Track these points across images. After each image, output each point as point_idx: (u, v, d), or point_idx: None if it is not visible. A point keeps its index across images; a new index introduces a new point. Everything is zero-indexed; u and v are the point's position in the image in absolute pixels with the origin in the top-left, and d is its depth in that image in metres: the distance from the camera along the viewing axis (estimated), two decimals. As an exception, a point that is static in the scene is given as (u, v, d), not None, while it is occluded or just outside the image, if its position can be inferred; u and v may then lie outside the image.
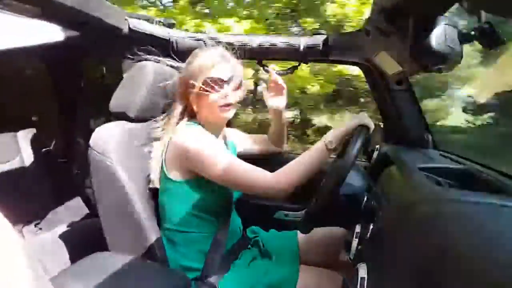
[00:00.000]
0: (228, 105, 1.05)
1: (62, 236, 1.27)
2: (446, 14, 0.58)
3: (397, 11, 0.55)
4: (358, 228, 0.85)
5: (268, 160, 1.30)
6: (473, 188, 0.67)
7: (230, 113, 1.08)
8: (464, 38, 0.55)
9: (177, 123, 1.06)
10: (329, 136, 0.98)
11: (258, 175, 0.98)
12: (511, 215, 0.48)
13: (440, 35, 0.52)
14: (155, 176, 1.04)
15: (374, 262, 0.64)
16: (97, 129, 1.04)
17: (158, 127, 1.10)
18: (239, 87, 1.08)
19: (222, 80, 1.03)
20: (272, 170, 0.98)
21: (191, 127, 1.04)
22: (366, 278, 0.61)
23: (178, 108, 1.07)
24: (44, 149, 1.49)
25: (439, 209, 0.51)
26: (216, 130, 1.14)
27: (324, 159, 0.98)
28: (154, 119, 1.12)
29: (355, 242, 0.84)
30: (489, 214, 0.48)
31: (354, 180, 1.32)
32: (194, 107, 1.07)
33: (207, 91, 1.02)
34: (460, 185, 0.80)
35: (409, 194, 0.61)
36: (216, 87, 1.02)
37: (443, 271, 0.44)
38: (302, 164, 0.98)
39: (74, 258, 0.96)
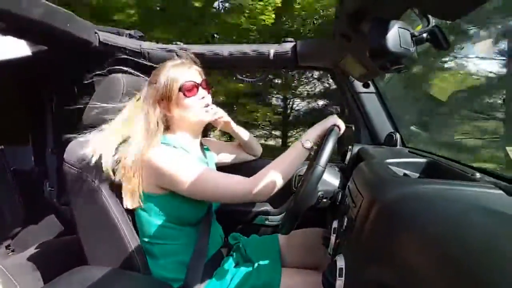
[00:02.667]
0: (207, 105, 1.10)
1: (36, 257, 1.22)
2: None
3: (357, 16, 0.59)
4: (335, 224, 0.89)
5: (246, 166, 1.32)
6: (437, 178, 0.72)
7: (210, 114, 1.12)
8: (417, 40, 0.61)
9: (157, 136, 1.03)
10: (305, 136, 1.03)
11: (235, 182, 0.98)
12: (465, 195, 0.53)
13: (394, 37, 0.57)
14: (129, 196, 1.00)
15: (350, 251, 0.67)
16: (71, 143, 1.02)
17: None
18: (209, 90, 1.13)
19: (196, 83, 1.07)
20: (251, 175, 0.99)
21: (161, 147, 1.02)
22: (344, 268, 0.64)
23: (153, 119, 1.04)
24: (13, 167, 1.44)
25: (402, 193, 0.55)
26: (193, 137, 1.15)
27: (302, 158, 1.01)
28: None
29: (333, 237, 0.87)
30: (445, 194, 0.53)
31: (330, 180, 1.37)
32: (173, 119, 1.08)
33: (185, 95, 1.05)
34: (426, 176, 0.86)
35: (377, 183, 0.65)
36: (192, 91, 1.06)
37: (408, 248, 0.47)
38: (280, 165, 1.00)
39: (50, 278, 0.93)
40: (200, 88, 1.08)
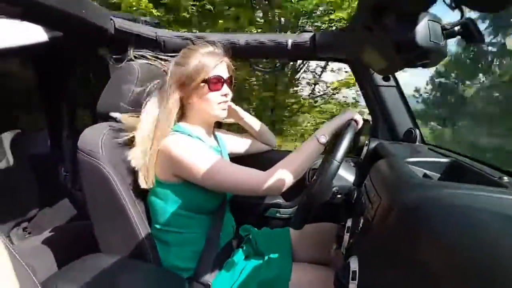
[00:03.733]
0: (225, 102, 1.08)
1: (51, 240, 1.25)
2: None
3: (381, 7, 0.55)
4: (349, 223, 0.87)
5: (261, 158, 1.31)
6: (459, 180, 0.68)
7: (225, 112, 1.11)
8: (448, 33, 0.56)
9: (170, 125, 1.03)
10: (320, 131, 1.02)
11: (249, 175, 0.98)
12: (491, 202, 0.50)
13: (423, 31, 0.53)
14: (145, 179, 1.02)
15: (365, 254, 0.65)
16: (85, 131, 1.03)
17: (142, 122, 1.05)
18: (232, 85, 1.10)
19: (222, 79, 1.05)
20: (265, 168, 0.98)
21: (177, 135, 1.02)
22: (357, 271, 0.62)
23: (172, 101, 1.04)
24: (30, 152, 1.46)
25: (423, 198, 0.53)
26: (207, 128, 1.15)
27: (316, 153, 1.00)
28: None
29: (346, 236, 0.85)
30: (469, 200, 0.50)
31: (345, 175, 1.34)
32: (190, 106, 1.07)
33: (209, 87, 1.03)
34: (447, 178, 0.82)
35: (396, 186, 0.62)
36: (217, 85, 1.04)
37: (429, 256, 0.45)
38: (294, 160, 0.99)
39: (64, 262, 0.95)
40: (225, 84, 1.06)
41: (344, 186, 1.12)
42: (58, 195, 1.58)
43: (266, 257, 1.11)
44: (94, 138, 0.99)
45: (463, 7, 0.53)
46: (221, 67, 1.05)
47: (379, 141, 1.24)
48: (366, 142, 1.23)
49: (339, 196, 1.10)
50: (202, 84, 1.03)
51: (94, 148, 0.97)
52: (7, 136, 1.45)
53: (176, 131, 1.03)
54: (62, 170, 1.58)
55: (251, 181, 0.97)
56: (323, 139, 1.00)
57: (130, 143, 1.04)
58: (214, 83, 1.03)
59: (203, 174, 0.95)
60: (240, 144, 1.35)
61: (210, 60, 1.04)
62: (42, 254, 1.18)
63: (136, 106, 1.09)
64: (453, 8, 0.52)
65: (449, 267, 0.42)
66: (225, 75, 1.06)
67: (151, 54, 1.20)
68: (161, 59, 1.16)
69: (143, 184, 1.01)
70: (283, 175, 0.96)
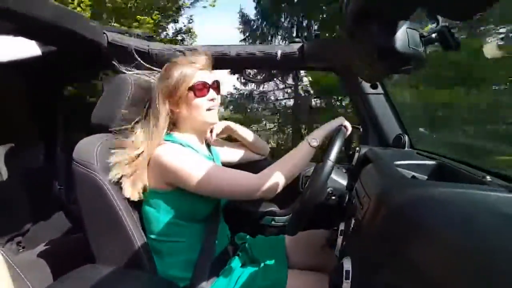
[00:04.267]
0: (214, 108, 1.09)
1: (46, 253, 1.24)
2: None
3: (365, 16, 0.59)
4: (342, 226, 0.88)
5: (253, 167, 1.32)
6: (446, 180, 0.71)
7: (214, 117, 1.11)
8: (426, 40, 0.60)
9: (161, 135, 1.04)
10: (312, 135, 1.05)
11: (242, 178, 1.00)
12: (477, 198, 0.52)
13: (403, 37, 0.56)
14: (136, 190, 1.01)
15: (357, 254, 0.66)
16: (79, 142, 1.04)
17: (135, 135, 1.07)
18: (219, 90, 1.12)
19: (207, 84, 1.06)
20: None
21: (168, 144, 1.03)
22: (350, 270, 0.64)
23: (161, 118, 1.05)
24: (23, 165, 1.46)
25: (411, 195, 0.55)
26: (199, 137, 1.16)
27: (308, 156, 1.03)
28: (129, 130, 1.09)
29: (340, 239, 0.87)
30: (456, 197, 0.52)
31: (337, 182, 1.37)
32: (179, 115, 1.09)
33: (194, 95, 1.05)
34: (435, 179, 0.84)
35: (384, 185, 0.64)
36: (202, 91, 1.06)
37: (418, 252, 0.47)
38: (287, 163, 1.02)
39: (59, 275, 0.94)
40: (210, 89, 1.08)
41: (338, 188, 1.14)
42: (52, 208, 1.56)
43: (262, 265, 1.11)
44: (89, 149, 1.00)
45: (438, 16, 0.56)
46: (204, 73, 1.08)
47: (369, 147, 1.26)
48: (357, 148, 1.26)
49: (333, 197, 1.12)
50: (187, 91, 1.05)
51: (89, 159, 0.98)
52: (0, 150, 1.45)
53: (167, 141, 1.05)
54: (56, 183, 1.57)
55: (244, 184, 0.99)
56: (314, 143, 1.03)
57: None
58: (199, 89, 1.05)
59: (196, 181, 0.96)
60: (233, 153, 1.37)
61: (192, 67, 1.06)
62: (37, 267, 1.17)
63: (130, 118, 1.11)
64: (429, 17, 0.56)
65: (436, 262, 0.43)
66: (210, 80, 1.08)
67: (144, 66, 1.23)
68: (153, 71, 1.19)
69: (127, 194, 1.00)
70: (276, 177, 0.98)
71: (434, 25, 0.61)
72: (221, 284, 1.03)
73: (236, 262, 1.13)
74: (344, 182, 1.37)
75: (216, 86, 1.10)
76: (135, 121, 1.10)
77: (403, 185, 0.61)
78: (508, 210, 0.49)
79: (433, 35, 0.60)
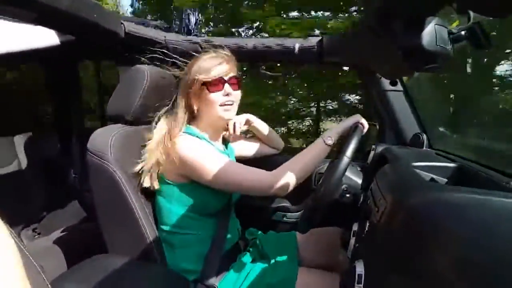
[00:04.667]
0: (230, 104, 1.07)
1: (60, 241, 1.27)
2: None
3: (388, 12, 0.56)
4: (355, 227, 0.87)
5: (268, 161, 1.31)
6: (467, 185, 0.68)
7: (231, 113, 1.09)
8: (455, 38, 0.57)
9: (179, 126, 1.06)
10: (327, 133, 1.04)
11: (256, 175, 0.99)
12: (501, 206, 0.49)
13: (430, 35, 0.53)
14: (152, 180, 1.04)
15: (371, 257, 0.65)
16: (94, 132, 1.05)
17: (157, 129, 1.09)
18: (238, 86, 1.09)
19: (223, 79, 1.05)
20: (271, 170, 0.99)
21: (186, 136, 1.04)
22: (363, 274, 0.62)
23: (180, 111, 1.07)
24: (40, 154, 1.49)
25: (430, 200, 0.53)
26: (216, 133, 1.16)
27: (323, 154, 1.02)
28: (153, 121, 1.11)
29: (352, 240, 0.85)
30: (479, 204, 0.50)
31: (352, 180, 1.34)
32: (195, 109, 1.08)
33: (209, 89, 1.04)
34: (454, 182, 0.81)
35: (402, 189, 0.62)
36: (217, 86, 1.04)
37: (436, 260, 0.45)
38: (301, 160, 1.01)
39: (72, 262, 0.96)
40: (226, 84, 1.05)
41: (353, 186, 1.12)
42: (67, 196, 1.60)
43: (272, 261, 1.11)
44: (103, 139, 1.01)
45: (470, 12, 0.53)
46: (221, 68, 1.05)
47: (386, 145, 1.23)
48: (373, 146, 1.23)
49: (348, 195, 1.10)
50: (202, 86, 1.04)
51: (103, 149, 0.99)
52: (19, 139, 1.48)
53: (185, 133, 1.05)
54: (71, 172, 1.60)
55: (258, 181, 0.98)
56: (330, 141, 1.02)
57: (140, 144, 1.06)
58: (214, 84, 1.04)
59: (211, 174, 0.97)
60: (248, 148, 1.36)
61: (209, 63, 1.05)
62: (51, 254, 1.19)
63: (146, 109, 1.11)
64: (460, 13, 0.53)
65: (454, 269, 0.42)
66: (227, 75, 1.06)
67: (160, 57, 1.22)
68: (169, 62, 1.18)
69: (146, 183, 1.03)
70: (290, 174, 0.97)
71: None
72: (231, 279, 1.03)
73: (246, 258, 1.13)
74: (359, 180, 1.34)
75: (235, 81, 1.08)
76: (161, 113, 1.11)
77: (421, 188, 0.58)
78: None
79: (463, 33, 0.56)
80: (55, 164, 1.54)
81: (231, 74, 1.07)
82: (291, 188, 0.98)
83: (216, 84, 1.04)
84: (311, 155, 1.03)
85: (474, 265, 0.40)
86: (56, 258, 1.19)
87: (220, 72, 1.05)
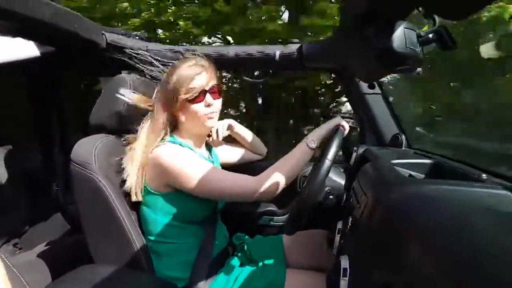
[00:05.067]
0: (211, 113, 1.06)
1: (44, 254, 1.24)
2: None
3: (362, 16, 0.59)
4: (339, 225, 0.89)
5: (252, 167, 1.33)
6: (443, 178, 0.71)
7: (214, 121, 1.09)
8: (423, 40, 0.61)
9: (160, 136, 1.05)
10: (310, 136, 1.05)
11: (240, 180, 1.00)
12: (471, 195, 0.52)
13: (400, 38, 0.57)
14: (135, 190, 1.03)
15: (354, 252, 0.67)
16: (77, 143, 1.04)
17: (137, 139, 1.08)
18: (219, 94, 1.09)
19: (204, 90, 1.04)
20: (256, 175, 1.00)
21: (169, 145, 1.04)
22: (348, 268, 0.64)
23: (160, 120, 1.06)
24: (20, 166, 1.45)
25: (408, 193, 0.55)
26: (199, 140, 1.16)
27: (307, 158, 1.03)
28: (135, 130, 1.11)
29: (337, 238, 0.87)
30: (450, 194, 0.53)
31: (335, 181, 1.37)
32: (179, 119, 1.08)
33: (190, 101, 1.03)
34: (431, 177, 0.85)
35: (381, 184, 0.65)
36: (198, 98, 1.03)
37: (411, 248, 0.47)
38: (285, 165, 1.02)
39: (56, 276, 0.94)
40: (207, 94, 1.04)
41: (336, 187, 1.15)
42: (50, 210, 1.56)
43: (260, 264, 1.12)
44: (87, 149, 1.00)
45: (435, 16, 0.57)
46: (201, 78, 1.04)
47: (367, 147, 1.27)
48: (355, 148, 1.27)
49: (331, 196, 1.12)
50: (183, 98, 1.02)
51: (87, 159, 0.98)
52: None
53: (168, 142, 1.05)
54: (53, 184, 1.57)
55: (243, 187, 0.99)
56: (313, 144, 1.03)
57: (123, 153, 1.06)
58: (194, 96, 1.02)
59: (195, 182, 0.97)
60: (232, 154, 1.37)
61: (189, 73, 1.03)
62: (34, 268, 1.16)
63: (129, 118, 1.11)
64: (426, 17, 0.57)
65: (432, 259, 0.43)
66: (208, 84, 1.05)
67: (142, 66, 1.23)
68: (152, 71, 1.19)
69: (133, 197, 1.03)
70: (274, 179, 0.98)
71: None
72: (219, 284, 1.03)
73: (234, 262, 1.13)
74: (342, 181, 1.37)
75: (215, 90, 1.07)
76: (143, 123, 1.10)
77: (399, 183, 0.62)
78: (504, 208, 0.50)
79: (430, 35, 0.60)
80: (37, 176, 1.51)
81: (212, 83, 1.06)
82: (276, 192, 0.99)
83: (197, 96, 1.03)
84: (295, 159, 1.03)
85: (448, 255, 0.41)
86: (39, 273, 1.16)
87: (201, 82, 1.03)
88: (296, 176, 1.08)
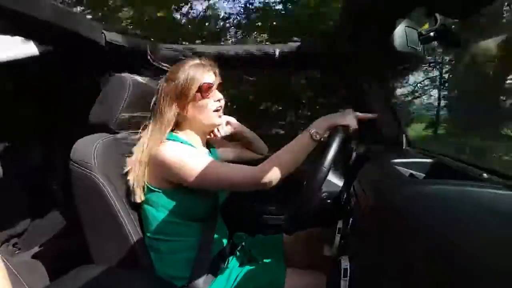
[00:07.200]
0: (219, 109, 1.11)
1: (43, 254, 1.24)
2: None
3: (363, 15, 0.59)
4: (339, 224, 0.89)
5: (254, 165, 1.32)
6: (443, 178, 0.71)
7: (222, 118, 1.14)
8: (424, 39, 0.60)
9: (164, 134, 1.05)
10: (313, 127, 0.98)
11: (240, 170, 0.99)
12: (472, 195, 0.52)
13: (401, 37, 0.56)
14: (136, 189, 1.03)
15: (355, 252, 0.67)
16: (77, 142, 1.04)
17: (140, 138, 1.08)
18: (222, 92, 1.12)
19: (213, 85, 1.08)
20: None
21: (169, 142, 1.04)
22: (348, 268, 0.64)
23: (165, 119, 1.06)
24: (20, 165, 1.45)
25: (409, 194, 0.55)
26: (201, 138, 1.16)
27: (308, 150, 0.99)
28: (134, 131, 1.11)
29: (337, 237, 0.87)
30: (451, 194, 0.52)
31: (334, 180, 1.37)
32: (184, 117, 1.09)
33: (202, 95, 1.06)
34: (432, 177, 0.85)
35: (382, 184, 0.65)
36: (210, 92, 1.07)
37: (413, 249, 0.47)
38: (287, 153, 0.99)
39: (56, 276, 0.94)
40: (215, 90, 1.10)
41: (333, 192, 1.14)
42: (49, 210, 1.56)
43: (260, 264, 1.12)
44: (86, 149, 1.00)
45: (436, 15, 0.57)
46: (209, 75, 1.09)
47: (367, 146, 1.26)
48: (354, 147, 1.26)
49: (328, 201, 1.11)
50: (195, 93, 1.05)
51: (87, 158, 0.98)
52: None
53: (168, 139, 1.05)
54: (53, 184, 1.57)
55: (245, 174, 0.98)
56: (317, 136, 0.97)
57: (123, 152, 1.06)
58: (206, 90, 1.06)
59: (195, 173, 0.97)
60: (232, 153, 1.37)
61: (198, 70, 1.07)
62: (34, 268, 1.16)
63: (129, 118, 1.11)
64: (428, 16, 0.56)
65: (433, 260, 0.43)
66: (216, 81, 1.10)
67: (142, 65, 1.22)
68: (152, 70, 1.19)
69: (133, 197, 1.03)
70: (276, 167, 0.95)
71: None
72: (219, 283, 1.03)
73: (234, 261, 1.13)
74: (340, 182, 1.37)
75: (220, 88, 1.12)
76: (144, 124, 1.10)
77: (399, 183, 0.61)
78: (505, 207, 0.49)
79: (432, 34, 0.60)
80: (36, 176, 1.51)
81: (218, 80, 1.11)
82: (275, 182, 0.96)
83: (208, 89, 1.07)
84: (297, 149, 0.99)
85: (451, 257, 0.41)
86: (39, 273, 1.16)
87: (210, 78, 1.08)
88: (299, 170, 1.04)
